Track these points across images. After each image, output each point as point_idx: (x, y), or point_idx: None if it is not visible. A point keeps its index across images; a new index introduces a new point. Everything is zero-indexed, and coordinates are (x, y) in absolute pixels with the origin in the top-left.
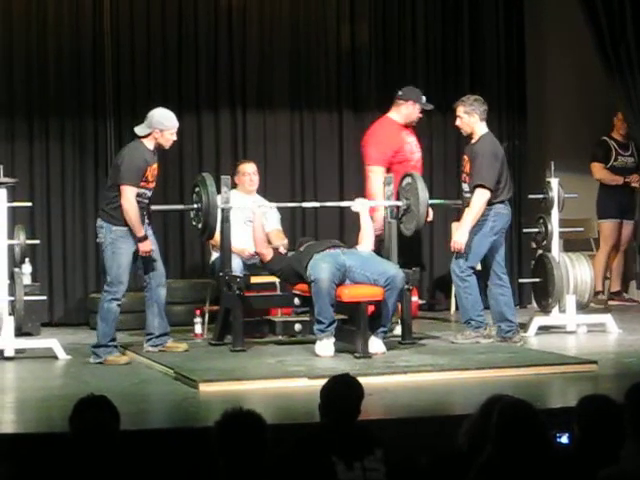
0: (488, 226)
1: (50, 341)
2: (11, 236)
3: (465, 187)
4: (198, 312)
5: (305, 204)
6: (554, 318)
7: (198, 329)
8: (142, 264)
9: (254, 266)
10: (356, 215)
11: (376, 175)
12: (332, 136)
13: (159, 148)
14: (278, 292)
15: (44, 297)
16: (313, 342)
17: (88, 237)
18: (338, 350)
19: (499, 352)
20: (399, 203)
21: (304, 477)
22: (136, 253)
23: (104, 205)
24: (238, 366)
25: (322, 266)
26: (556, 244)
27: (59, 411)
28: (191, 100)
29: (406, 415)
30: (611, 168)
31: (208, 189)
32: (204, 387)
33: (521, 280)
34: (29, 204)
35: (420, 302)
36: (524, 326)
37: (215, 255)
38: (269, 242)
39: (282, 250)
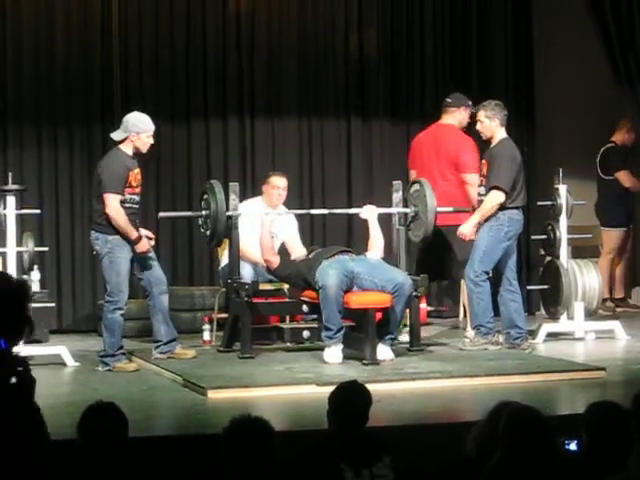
0: (503, 231)
1: (58, 348)
2: (20, 243)
3: (482, 190)
4: (206, 319)
5: (313, 211)
6: (562, 325)
7: (206, 336)
8: (141, 273)
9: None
10: (365, 222)
11: (476, 182)
12: (340, 143)
13: (137, 153)
14: (287, 299)
15: (52, 304)
16: (321, 349)
17: None
18: (346, 357)
19: (508, 359)
20: (407, 210)
21: None
22: (133, 261)
23: (96, 217)
24: (246, 373)
25: (330, 272)
26: (564, 251)
27: (67, 418)
28: (199, 108)
29: (414, 422)
30: None
31: (217, 196)
32: (212, 394)
33: (529, 287)
34: (38, 211)
35: (429, 309)
36: (533, 333)
37: (224, 262)
38: (287, 252)
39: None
